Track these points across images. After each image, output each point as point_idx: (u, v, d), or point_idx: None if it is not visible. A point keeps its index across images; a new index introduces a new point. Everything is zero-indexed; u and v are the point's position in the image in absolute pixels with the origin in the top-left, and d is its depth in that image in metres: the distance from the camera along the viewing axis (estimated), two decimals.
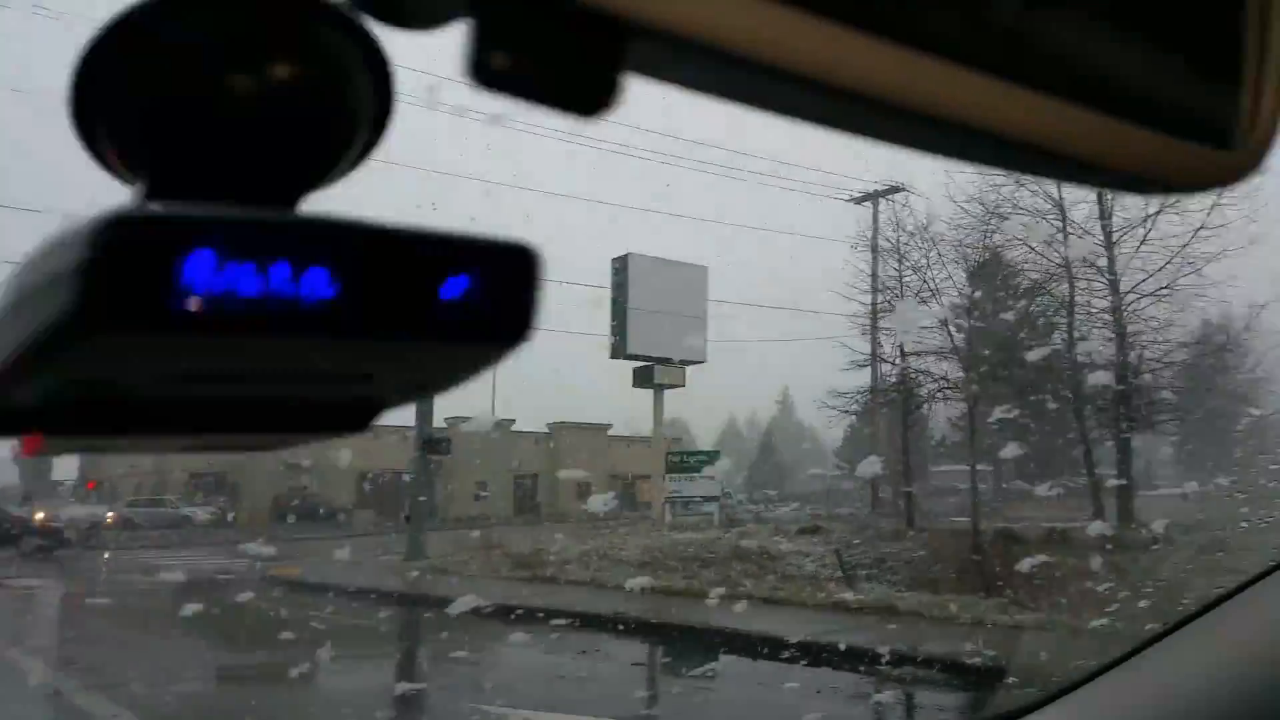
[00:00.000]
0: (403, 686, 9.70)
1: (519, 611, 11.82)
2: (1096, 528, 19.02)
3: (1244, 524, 19.96)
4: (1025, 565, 15.76)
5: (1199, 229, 17.43)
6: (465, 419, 34.97)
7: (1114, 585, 14.14)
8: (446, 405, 32.12)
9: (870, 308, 22.87)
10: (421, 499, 21.16)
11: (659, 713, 9.43)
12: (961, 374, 17.50)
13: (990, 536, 18.68)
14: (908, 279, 20.59)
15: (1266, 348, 21.68)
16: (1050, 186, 18.49)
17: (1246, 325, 19.11)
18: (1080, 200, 18.44)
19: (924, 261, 20.19)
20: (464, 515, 33.83)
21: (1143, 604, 12.70)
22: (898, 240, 22.05)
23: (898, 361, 21.34)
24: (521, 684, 9.66)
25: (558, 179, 65.13)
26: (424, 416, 20.46)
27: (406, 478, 23.52)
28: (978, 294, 19.01)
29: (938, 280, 19.99)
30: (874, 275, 22.89)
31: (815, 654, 9.94)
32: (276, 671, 9.59)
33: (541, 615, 12.20)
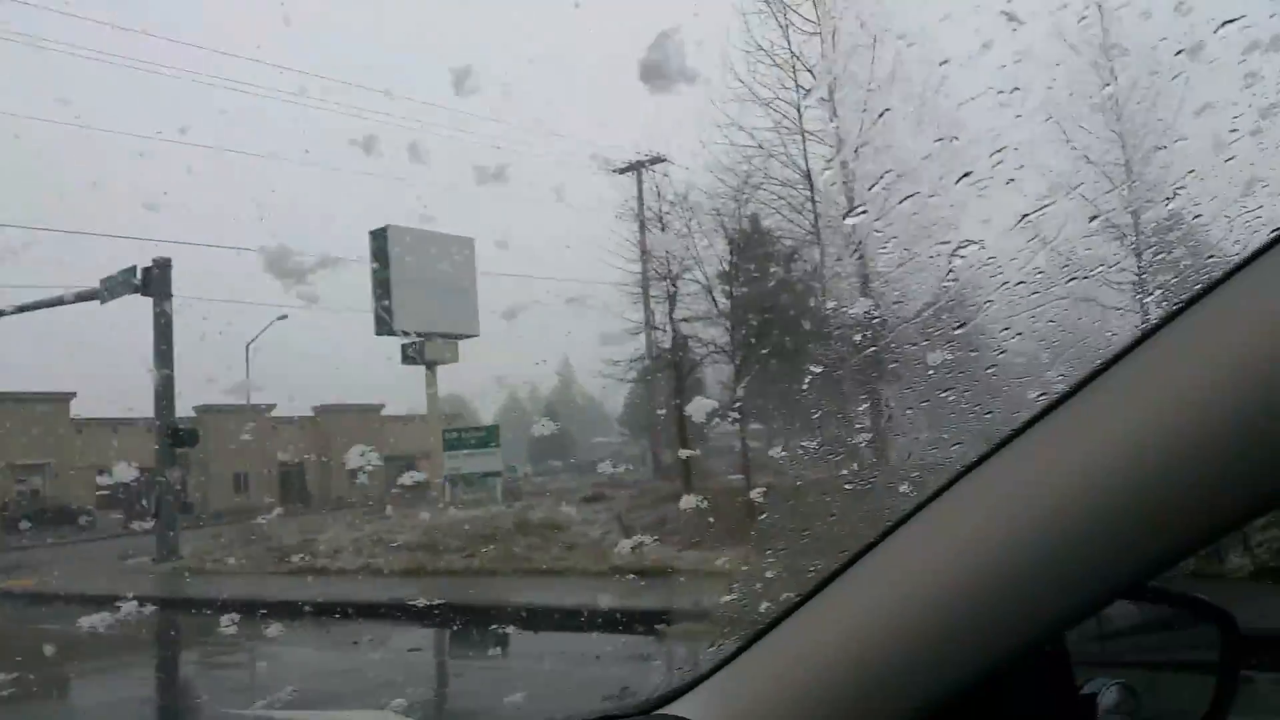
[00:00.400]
0: (152, 697, 8.94)
1: (282, 606, 11.09)
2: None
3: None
4: (794, 519, 16.84)
5: (964, 173, 18.95)
6: (215, 408, 32.47)
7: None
8: (194, 393, 29.64)
9: (641, 276, 23.41)
10: (170, 495, 19.40)
11: (430, 695, 9.14)
12: (728, 339, 18.23)
13: (763, 489, 19.73)
14: (672, 247, 21.18)
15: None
16: (799, 157, 19.59)
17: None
18: (829, 168, 19.60)
19: (686, 230, 20.82)
20: (225, 509, 31.56)
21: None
22: (659, 210, 22.68)
23: (667, 329, 21.98)
24: (285, 683, 9.05)
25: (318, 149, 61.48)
26: (165, 406, 18.78)
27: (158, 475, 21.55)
28: (737, 261, 19.83)
29: (700, 249, 20.68)
30: (642, 244, 23.43)
31: (594, 620, 10.02)
32: (8, 696, 8.53)
33: (309, 609, 11.55)
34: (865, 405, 5.92)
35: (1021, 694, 1.10)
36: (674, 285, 21.55)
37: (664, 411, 26.31)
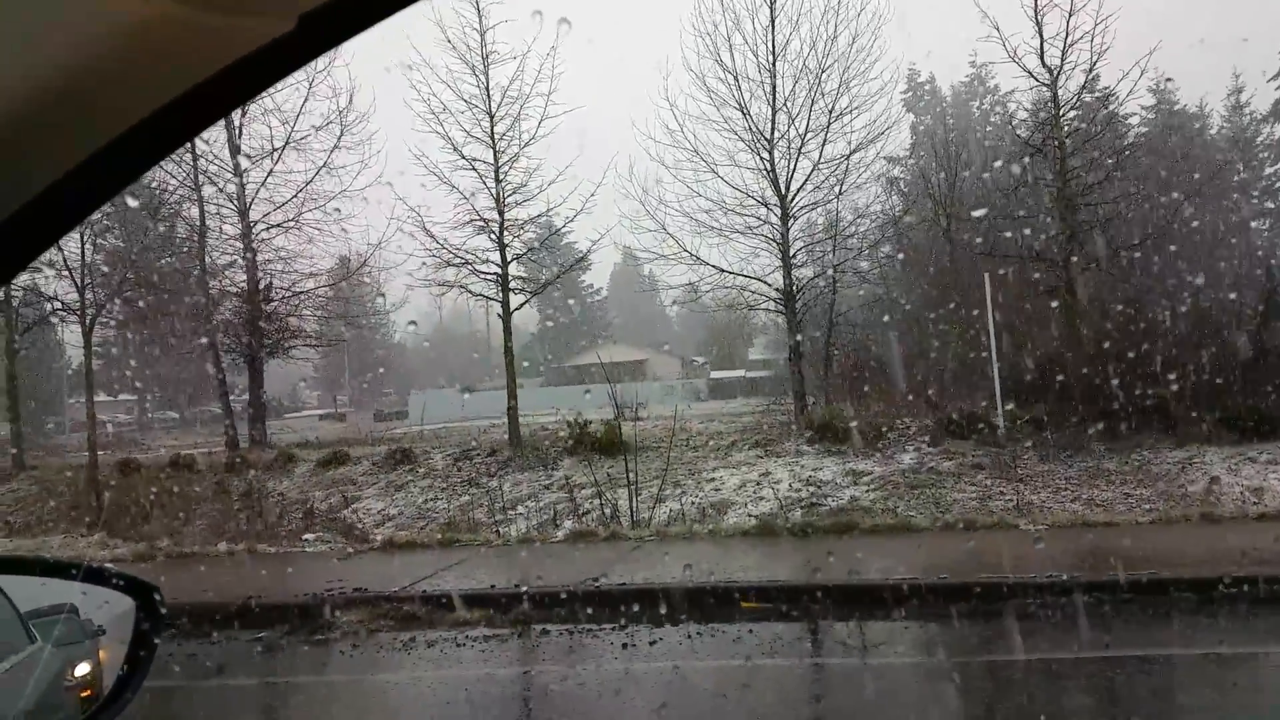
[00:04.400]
0: None
1: None
2: (223, 452, 19.56)
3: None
4: (141, 496, 15.31)
5: (322, 166, 18.96)
6: None
7: (221, 507, 14.70)
8: None
9: None
10: None
11: None
12: (77, 295, 15.87)
13: (112, 469, 17.68)
14: None
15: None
16: None
17: (364, 261, 21.50)
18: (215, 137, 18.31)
19: None
20: None
21: (242, 524, 13.46)
22: None
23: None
24: None
25: None
26: None
27: None
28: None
29: None
30: None
31: None
32: None
33: None
34: None
35: None
36: None
37: None
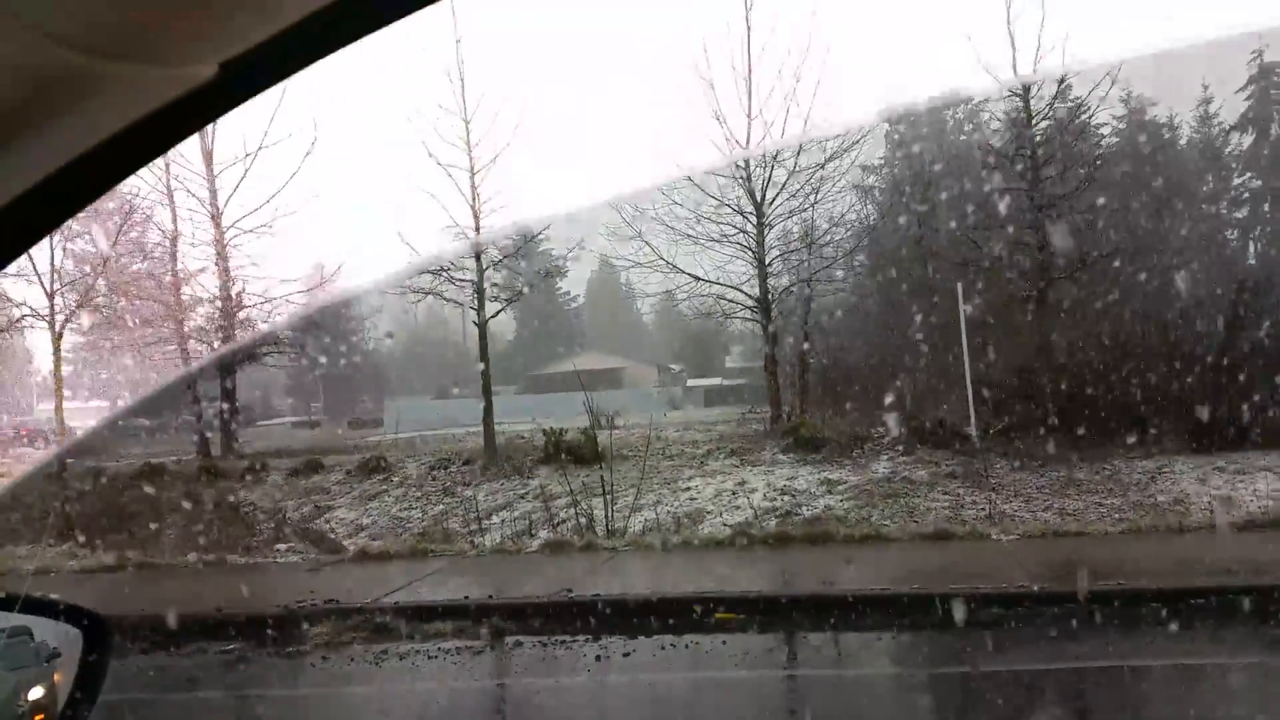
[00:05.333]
0: None
1: None
2: (194, 461, 19.32)
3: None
4: (110, 505, 15.09)
5: (295, 173, 18.83)
6: None
7: (192, 517, 14.51)
8: None
9: None
10: None
11: None
12: (47, 300, 15.66)
13: (83, 477, 17.42)
14: None
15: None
16: None
17: (339, 268, 21.36)
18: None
19: None
20: None
21: (204, 536, 13.30)
22: None
23: None
24: None
25: None
26: None
27: None
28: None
29: None
30: None
31: None
32: None
33: None
34: None
35: None
36: None
37: None
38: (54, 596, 1.35)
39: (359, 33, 0.75)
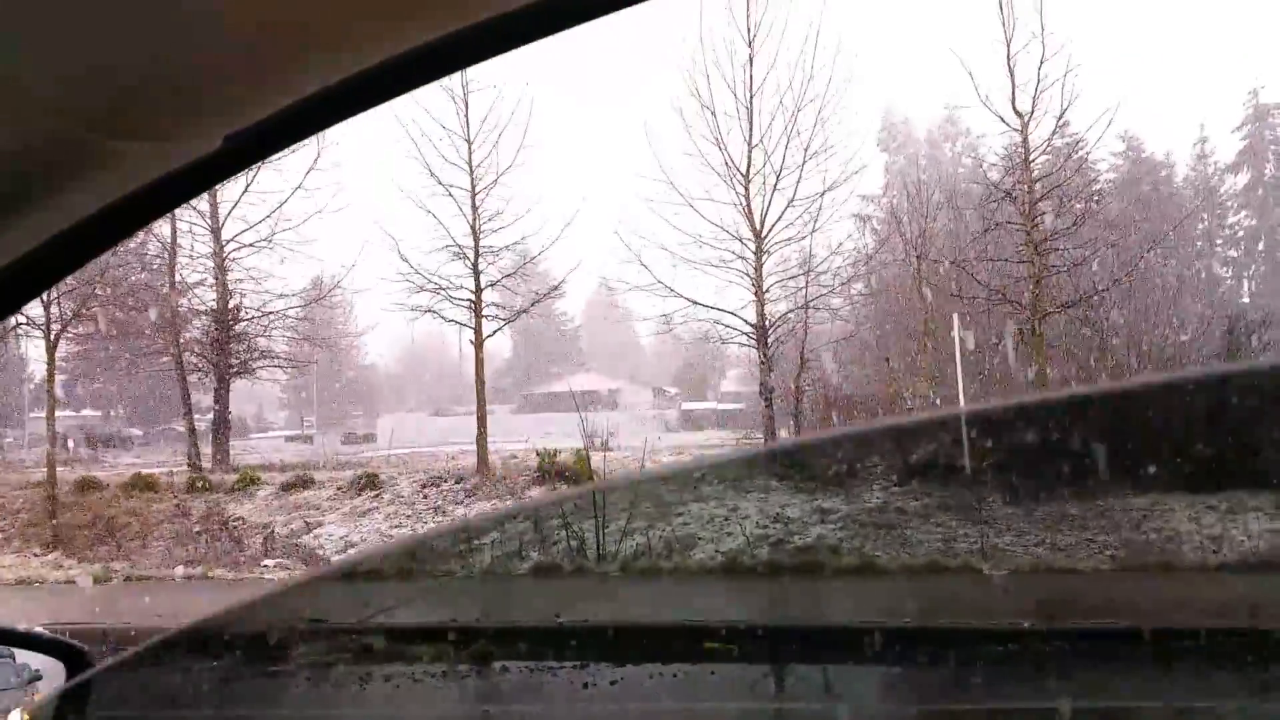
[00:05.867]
0: None
1: None
2: (184, 473, 19.23)
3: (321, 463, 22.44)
4: (99, 516, 15.00)
5: (296, 188, 18.87)
6: None
7: (180, 530, 14.44)
8: None
9: None
10: None
11: None
12: (42, 309, 15.62)
13: (71, 487, 17.33)
14: None
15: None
16: None
17: (338, 283, 21.37)
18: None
19: None
20: None
21: (193, 549, 13.22)
22: None
23: None
24: None
25: None
26: None
27: None
28: None
29: None
30: None
31: None
32: None
33: None
34: None
35: None
36: None
37: None
38: (37, 629, 1.35)
39: (360, 108, 0.77)
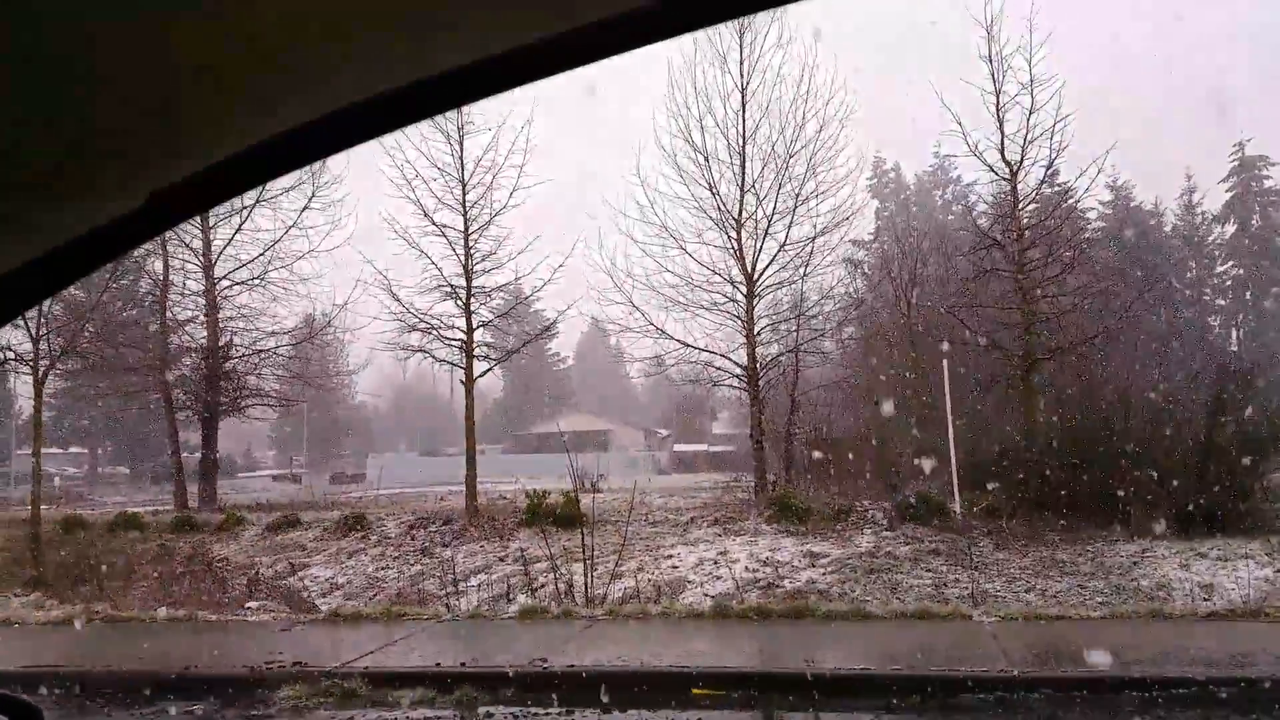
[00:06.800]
0: None
1: None
2: (171, 512, 19.03)
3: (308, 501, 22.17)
4: (83, 555, 14.79)
5: (291, 226, 18.94)
6: None
7: (164, 570, 14.25)
8: None
9: None
10: None
11: None
12: (30, 344, 15.54)
13: (55, 525, 17.12)
14: None
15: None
16: None
17: (329, 322, 21.36)
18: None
19: None
20: None
21: (172, 589, 13.03)
22: None
23: None
24: None
25: None
26: None
27: None
28: None
29: None
30: None
31: None
32: None
33: None
34: None
35: None
36: None
37: None
38: None
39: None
